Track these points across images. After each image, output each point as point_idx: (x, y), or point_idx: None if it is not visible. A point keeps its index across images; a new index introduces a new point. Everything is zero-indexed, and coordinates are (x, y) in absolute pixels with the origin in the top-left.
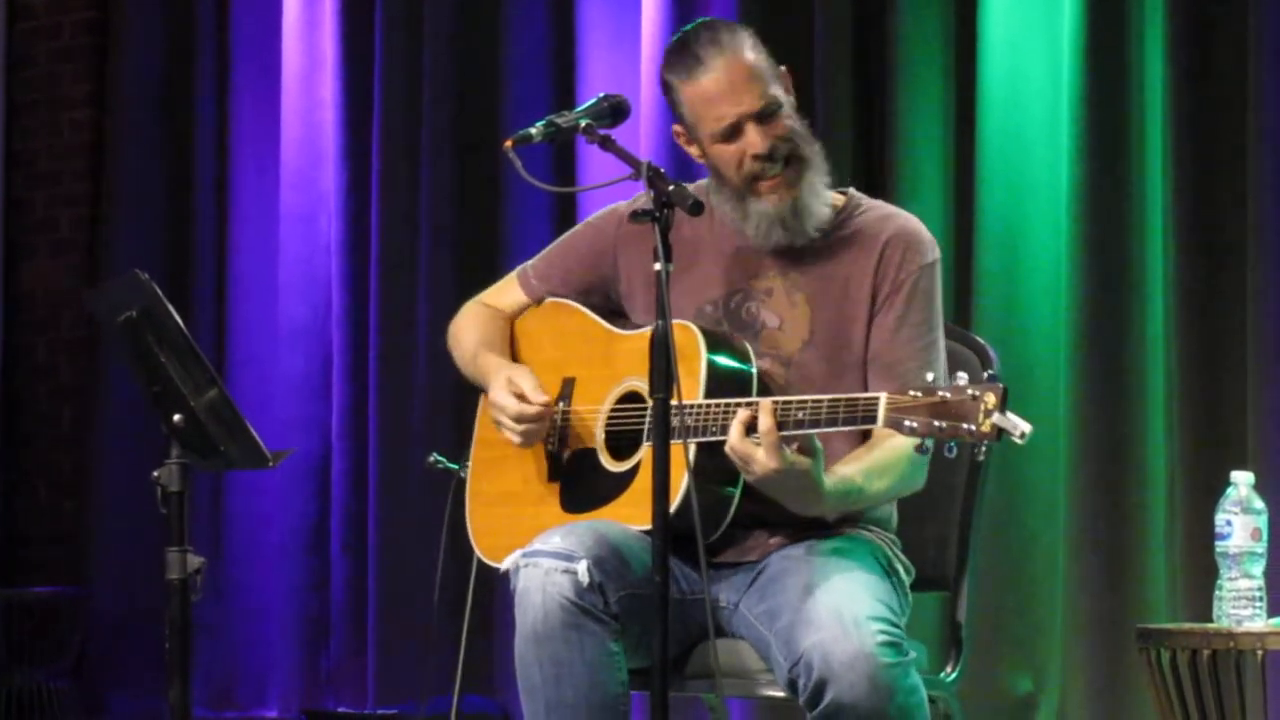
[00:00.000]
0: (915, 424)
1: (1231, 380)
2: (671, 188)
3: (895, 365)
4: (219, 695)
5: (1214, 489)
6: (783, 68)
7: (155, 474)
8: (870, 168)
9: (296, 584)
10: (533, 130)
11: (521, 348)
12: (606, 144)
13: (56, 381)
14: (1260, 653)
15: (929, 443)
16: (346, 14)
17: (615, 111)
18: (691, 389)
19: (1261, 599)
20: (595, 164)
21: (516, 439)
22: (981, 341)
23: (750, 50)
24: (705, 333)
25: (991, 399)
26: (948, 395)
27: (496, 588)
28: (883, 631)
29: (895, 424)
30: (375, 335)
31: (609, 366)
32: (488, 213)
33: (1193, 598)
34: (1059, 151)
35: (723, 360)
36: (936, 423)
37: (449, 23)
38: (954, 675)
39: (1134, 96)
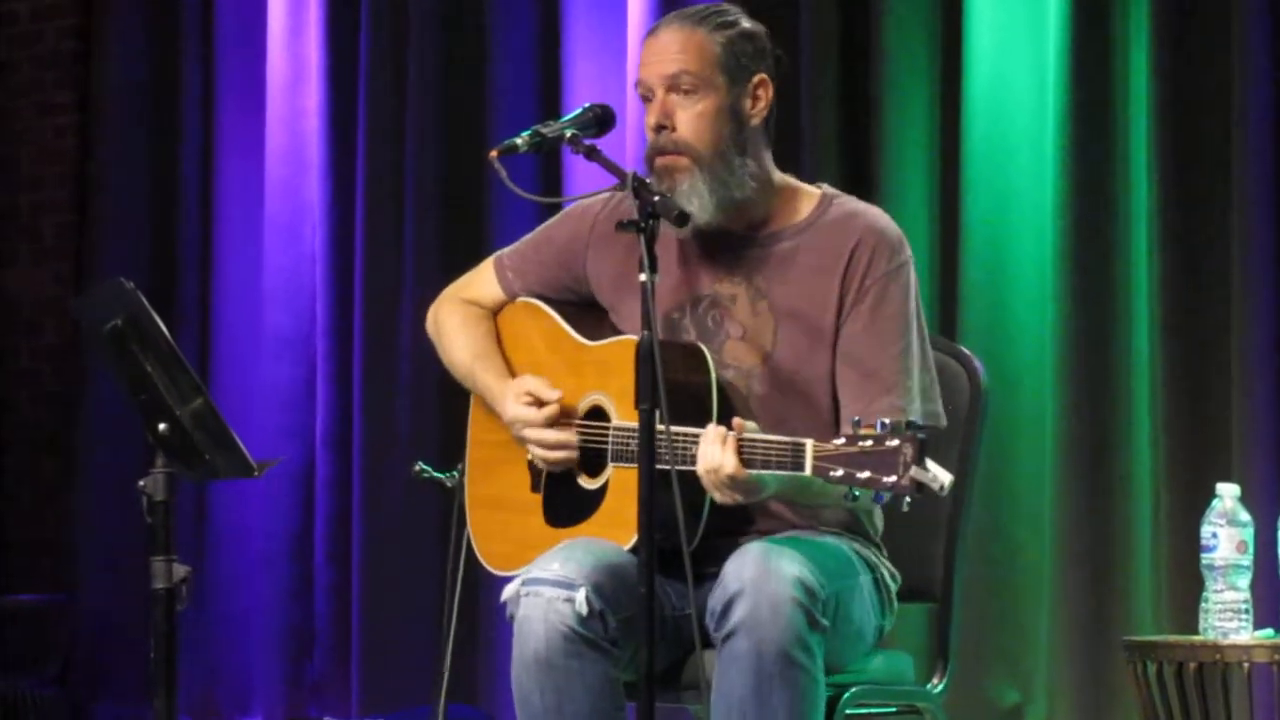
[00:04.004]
0: (840, 473)
1: (1217, 392)
2: (657, 198)
3: (867, 376)
4: (203, 703)
5: (1199, 501)
6: (759, 76)
7: (141, 483)
8: (856, 176)
9: (281, 592)
10: (518, 140)
11: (506, 347)
12: (592, 154)
13: (40, 388)
14: (1246, 665)
15: (857, 492)
16: (331, 23)
17: (600, 121)
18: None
19: (1247, 611)
20: (581, 173)
21: (546, 454)
22: (967, 352)
23: (696, 26)
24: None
25: (908, 451)
26: (868, 445)
27: (481, 595)
28: (801, 579)
29: (822, 473)
30: (360, 344)
31: (576, 377)
32: (473, 223)
33: (1179, 610)
34: (1044, 161)
35: (679, 384)
36: (859, 474)
37: (434, 32)
38: (941, 687)
39: (1119, 107)
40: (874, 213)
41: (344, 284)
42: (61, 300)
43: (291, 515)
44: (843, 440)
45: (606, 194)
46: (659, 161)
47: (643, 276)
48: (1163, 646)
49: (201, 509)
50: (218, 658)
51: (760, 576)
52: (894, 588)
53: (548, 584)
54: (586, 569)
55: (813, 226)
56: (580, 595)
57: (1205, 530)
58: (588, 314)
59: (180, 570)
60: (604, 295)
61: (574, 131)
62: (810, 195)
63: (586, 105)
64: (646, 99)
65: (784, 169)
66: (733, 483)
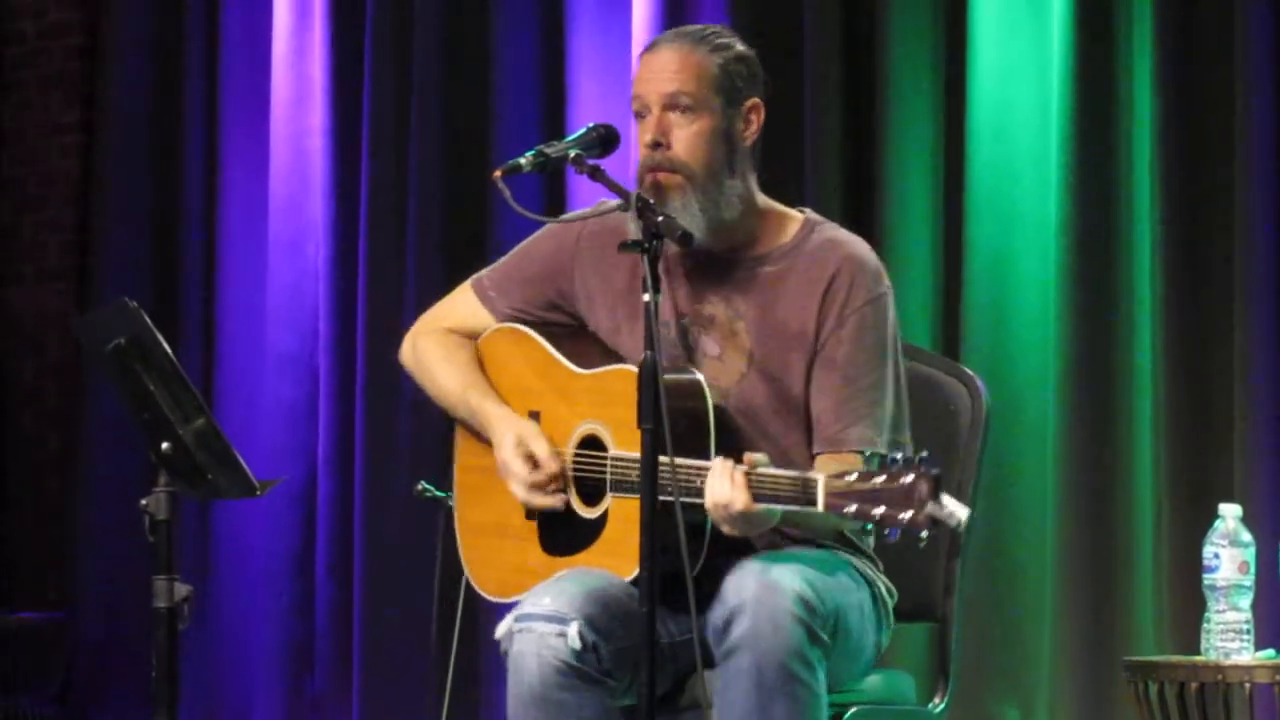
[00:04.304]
0: (854, 509)
1: (1219, 412)
2: (661, 219)
3: (841, 404)
4: None
5: (1202, 521)
6: (752, 99)
7: (143, 502)
8: (859, 198)
9: (282, 610)
10: (522, 160)
11: (489, 373)
12: (596, 174)
13: (43, 407)
14: (1248, 686)
15: (869, 526)
16: (335, 42)
17: (605, 141)
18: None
19: (1249, 632)
20: (585, 192)
21: (523, 498)
22: (970, 373)
23: (695, 46)
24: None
25: (924, 487)
26: (881, 481)
27: (480, 617)
28: (801, 594)
29: (835, 509)
30: (362, 363)
31: (568, 404)
32: (476, 242)
33: (1180, 630)
34: (1047, 183)
35: (677, 411)
36: (874, 510)
37: (437, 51)
38: (942, 706)
39: (1122, 128)
40: (855, 242)
41: (347, 302)
42: (65, 319)
43: (293, 533)
44: (855, 476)
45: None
46: (652, 178)
47: (646, 297)
48: (1164, 666)
49: (205, 527)
50: (219, 675)
51: (761, 592)
52: (891, 603)
53: (539, 619)
54: (578, 602)
55: (794, 251)
56: (573, 629)
57: (1207, 550)
58: (573, 338)
59: (182, 589)
60: (592, 310)
61: (578, 151)
62: (793, 220)
63: (590, 125)
64: (641, 115)
65: (787, 194)
66: (743, 518)
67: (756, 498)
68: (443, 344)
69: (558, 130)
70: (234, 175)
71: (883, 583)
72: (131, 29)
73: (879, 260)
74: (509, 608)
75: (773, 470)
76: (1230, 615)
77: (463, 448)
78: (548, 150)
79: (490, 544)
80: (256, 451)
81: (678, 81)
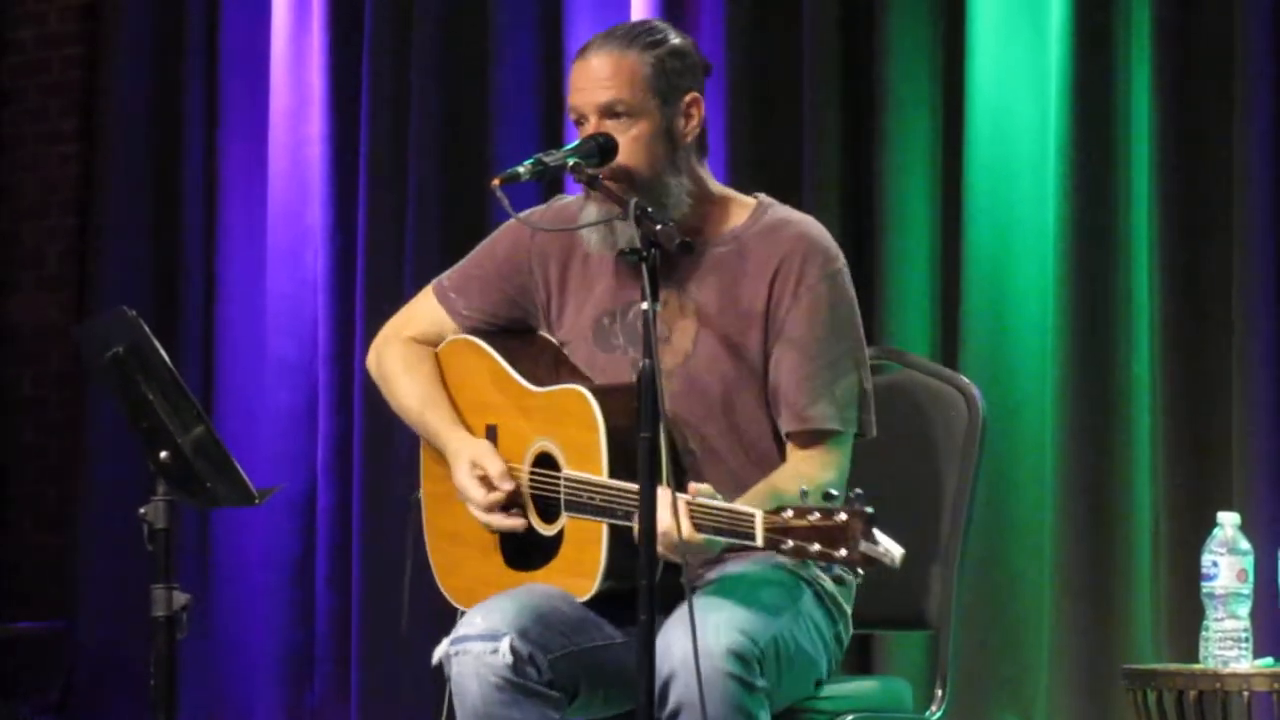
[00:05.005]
0: (790, 545)
1: (1218, 420)
2: (659, 227)
3: (800, 381)
4: None
5: (1200, 530)
6: (690, 94)
7: (142, 510)
8: (857, 203)
9: (281, 619)
10: (520, 169)
11: (448, 384)
12: (594, 183)
13: (43, 416)
14: (1246, 694)
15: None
16: (334, 50)
17: (603, 150)
18: (595, 463)
19: (1247, 640)
20: None
21: (483, 521)
22: (967, 381)
23: (626, 49)
24: (598, 395)
25: (856, 526)
26: (816, 518)
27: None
28: (731, 648)
29: (773, 545)
30: (361, 371)
31: (524, 420)
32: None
33: (1179, 638)
34: (1045, 189)
35: (623, 428)
36: (810, 547)
37: (436, 59)
38: (939, 714)
39: (1121, 134)
40: (807, 221)
41: (346, 310)
42: (65, 328)
43: (292, 542)
44: (791, 513)
45: (537, 209)
46: (596, 188)
47: (644, 305)
48: (1163, 675)
49: (204, 536)
50: (219, 683)
51: (689, 658)
52: (840, 591)
53: (474, 639)
54: (510, 616)
55: (746, 233)
56: (504, 644)
57: (1206, 558)
58: (527, 350)
59: (181, 598)
60: (553, 298)
61: (576, 160)
62: (744, 204)
63: (589, 135)
64: (580, 124)
65: (785, 199)
66: (685, 547)
67: (698, 528)
68: (404, 356)
69: (556, 136)
70: (233, 183)
71: (826, 576)
72: (131, 37)
73: (831, 238)
74: None
75: (713, 503)
76: (1229, 623)
77: (428, 457)
78: (546, 159)
79: (458, 552)
80: (256, 460)
81: (612, 89)
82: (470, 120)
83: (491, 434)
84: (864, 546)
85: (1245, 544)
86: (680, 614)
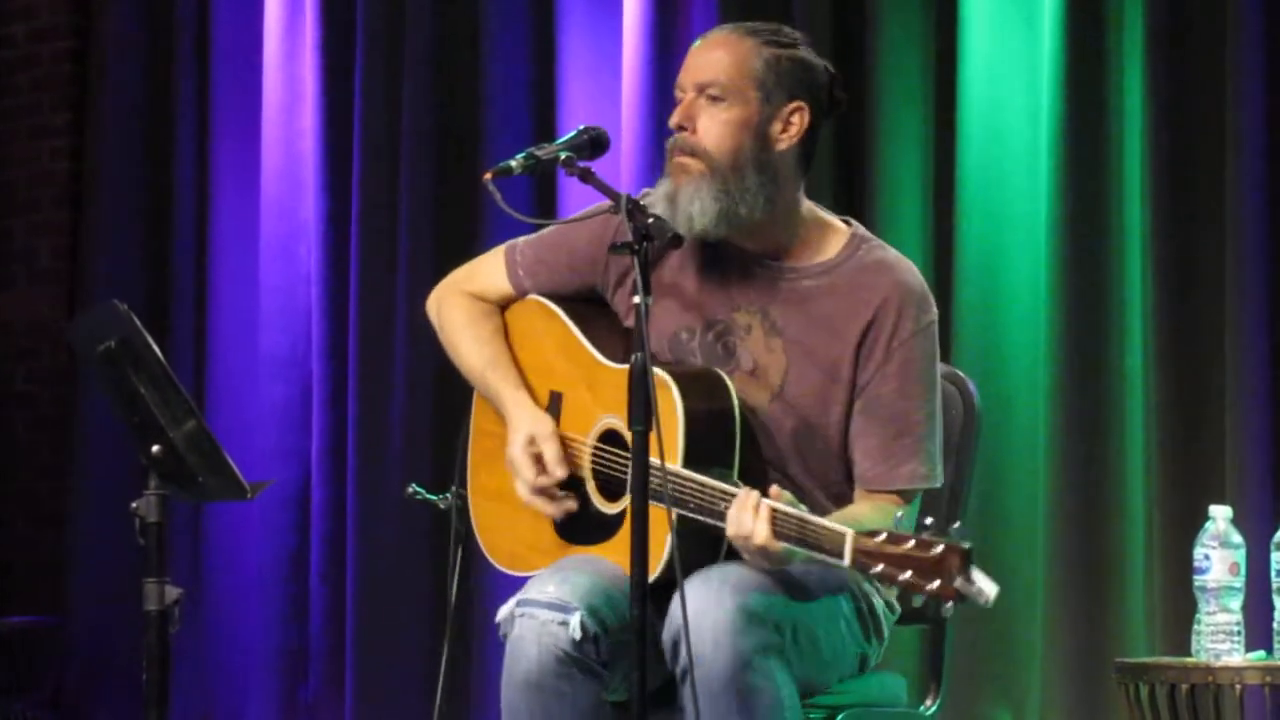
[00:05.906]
0: (879, 570)
1: (1210, 414)
2: (651, 220)
3: (892, 439)
4: None
5: (1192, 523)
6: (797, 102)
7: (134, 505)
8: (850, 199)
9: (275, 614)
10: (512, 163)
11: (513, 344)
12: (586, 177)
13: (35, 411)
14: (1238, 687)
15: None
16: (327, 45)
17: (595, 144)
18: (671, 452)
19: (1239, 633)
20: (576, 195)
21: (526, 500)
22: (960, 374)
23: (744, 37)
24: (679, 380)
25: (955, 561)
26: (911, 547)
27: (473, 616)
28: (742, 606)
29: (862, 567)
30: (354, 366)
31: (592, 393)
32: (467, 243)
33: (1171, 632)
34: (1038, 184)
35: (702, 415)
36: (901, 575)
37: (429, 53)
38: (934, 708)
39: (1113, 130)
40: (904, 265)
41: (339, 305)
42: (57, 323)
43: (286, 536)
44: (884, 537)
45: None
46: (673, 160)
47: (636, 299)
48: (1155, 668)
49: (197, 531)
50: (212, 679)
51: (700, 610)
52: (885, 617)
53: (542, 606)
54: (582, 591)
55: (839, 268)
56: (575, 619)
57: (1198, 552)
58: (599, 320)
59: (173, 592)
60: (621, 301)
61: (568, 154)
62: (839, 233)
63: (581, 128)
64: (679, 99)
65: None
66: (763, 553)
67: (779, 535)
68: (468, 309)
69: (549, 132)
70: (225, 178)
71: (879, 596)
72: (122, 32)
73: (925, 284)
74: (508, 593)
75: (804, 514)
76: (1221, 617)
77: (480, 411)
78: (538, 153)
79: (504, 511)
80: (249, 454)
81: (713, 70)
82: (463, 114)
83: (555, 401)
84: (959, 583)
85: (1237, 537)
86: (701, 573)
